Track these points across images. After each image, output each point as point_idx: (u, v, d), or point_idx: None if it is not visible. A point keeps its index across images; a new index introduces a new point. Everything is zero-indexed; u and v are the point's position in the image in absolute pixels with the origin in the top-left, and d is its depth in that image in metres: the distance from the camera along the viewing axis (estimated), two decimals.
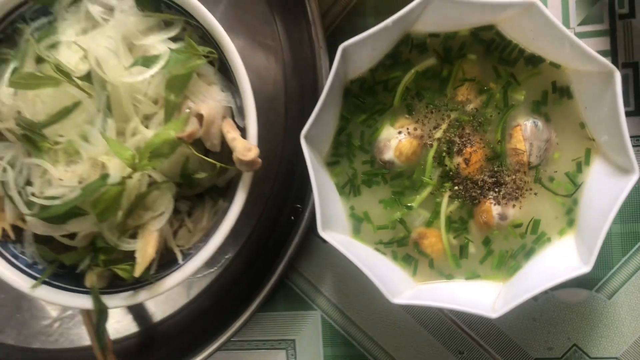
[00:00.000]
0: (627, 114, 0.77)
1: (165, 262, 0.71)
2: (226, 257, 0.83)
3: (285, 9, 0.79)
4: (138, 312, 0.86)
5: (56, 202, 0.65)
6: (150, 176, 0.67)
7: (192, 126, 0.65)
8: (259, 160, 0.65)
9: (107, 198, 0.63)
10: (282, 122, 0.82)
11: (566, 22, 0.77)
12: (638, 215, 0.77)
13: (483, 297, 0.68)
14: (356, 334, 0.83)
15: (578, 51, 0.63)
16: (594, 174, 0.69)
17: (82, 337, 0.86)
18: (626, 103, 0.77)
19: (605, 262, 0.78)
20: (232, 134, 0.66)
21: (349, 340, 0.83)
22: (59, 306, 0.85)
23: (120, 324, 0.86)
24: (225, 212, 0.71)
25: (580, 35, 0.77)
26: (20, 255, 0.72)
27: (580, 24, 0.77)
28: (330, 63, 0.76)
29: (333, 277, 0.83)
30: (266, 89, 0.81)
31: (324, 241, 0.67)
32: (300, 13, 0.76)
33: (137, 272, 0.65)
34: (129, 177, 0.64)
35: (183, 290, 0.85)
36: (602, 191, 0.67)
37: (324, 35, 0.75)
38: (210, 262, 0.71)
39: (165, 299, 0.85)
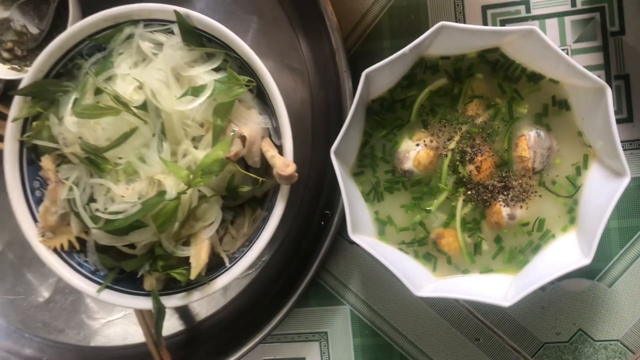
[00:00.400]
0: (621, 120, 0.86)
1: (213, 265, 0.80)
2: (263, 259, 0.92)
3: (309, 36, 0.88)
4: (184, 312, 0.95)
5: (119, 216, 0.74)
6: (200, 190, 0.76)
7: (237, 146, 0.74)
8: (296, 174, 0.74)
9: (166, 212, 0.72)
10: (309, 137, 0.90)
11: (563, 40, 0.86)
12: (633, 210, 0.86)
13: (496, 288, 0.77)
14: (382, 325, 0.91)
15: (573, 70, 0.71)
16: (591, 177, 0.78)
17: (134, 334, 0.95)
18: (619, 111, 0.86)
19: (605, 254, 0.87)
20: (271, 152, 0.75)
21: (376, 331, 0.91)
22: (114, 307, 0.94)
23: (168, 322, 0.93)
24: (264, 219, 0.80)
25: (576, 51, 0.86)
26: (85, 264, 0.81)
27: (575, 42, 0.86)
28: (353, 84, 0.85)
29: (360, 274, 0.91)
30: (294, 107, 0.90)
31: (352, 242, 0.75)
32: (324, 40, 0.85)
33: (193, 275, 0.75)
34: (184, 192, 0.73)
35: (223, 290, 0.94)
36: (599, 192, 0.75)
37: (347, 60, 0.84)
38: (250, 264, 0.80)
39: (208, 298, 0.93)
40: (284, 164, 0.73)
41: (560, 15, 0.85)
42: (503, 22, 0.87)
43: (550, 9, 0.86)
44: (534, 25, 0.85)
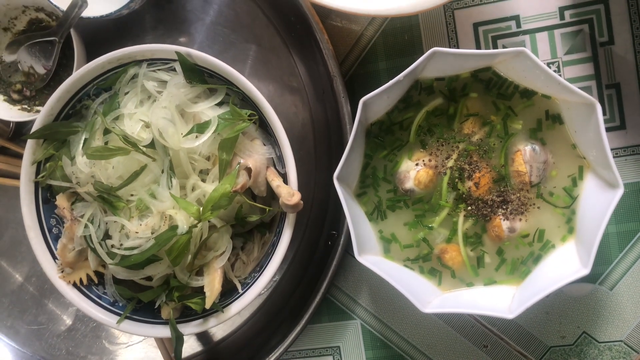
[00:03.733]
0: (614, 128, 0.88)
1: (226, 290, 0.84)
2: (274, 279, 0.95)
3: (307, 63, 0.90)
4: (201, 333, 0.98)
5: (135, 251, 0.77)
6: (210, 221, 0.79)
7: (243, 179, 0.77)
8: (301, 202, 0.76)
9: (179, 246, 0.75)
10: (312, 158, 0.93)
11: (553, 53, 0.88)
12: (630, 215, 0.88)
13: (500, 300, 0.80)
14: (392, 337, 0.94)
15: (563, 87, 0.73)
16: (587, 187, 0.80)
17: (154, 357, 0.98)
18: (612, 119, 0.88)
19: (605, 258, 0.89)
20: (276, 182, 0.78)
21: (387, 343, 0.95)
22: (136, 335, 0.97)
23: (186, 344, 0.97)
24: (273, 244, 0.83)
25: (567, 63, 0.88)
26: (104, 296, 0.85)
27: (566, 54, 0.88)
28: (352, 106, 0.88)
29: (368, 289, 0.94)
30: (296, 130, 0.92)
31: None
32: (322, 67, 0.87)
33: (208, 304, 0.78)
34: (195, 226, 0.76)
35: None
36: (595, 202, 0.78)
37: (344, 86, 0.87)
38: None
39: None
40: (289, 193, 0.76)
41: (549, 28, 0.88)
42: (495, 38, 0.89)
43: (539, 23, 0.88)
44: (525, 39, 0.88)
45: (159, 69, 0.81)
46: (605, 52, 0.87)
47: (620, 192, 0.73)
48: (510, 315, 0.75)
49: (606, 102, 0.87)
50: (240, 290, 0.81)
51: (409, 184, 0.83)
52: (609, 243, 0.89)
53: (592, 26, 0.87)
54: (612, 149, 0.87)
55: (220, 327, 0.97)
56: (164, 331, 0.82)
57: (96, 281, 0.85)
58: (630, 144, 0.87)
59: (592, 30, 0.87)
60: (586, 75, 0.88)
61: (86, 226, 0.81)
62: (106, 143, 0.80)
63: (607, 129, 0.87)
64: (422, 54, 0.74)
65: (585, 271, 0.74)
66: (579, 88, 0.73)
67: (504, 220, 0.82)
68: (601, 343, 0.90)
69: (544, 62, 0.88)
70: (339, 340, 0.96)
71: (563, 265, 0.79)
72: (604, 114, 0.88)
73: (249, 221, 0.81)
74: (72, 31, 0.88)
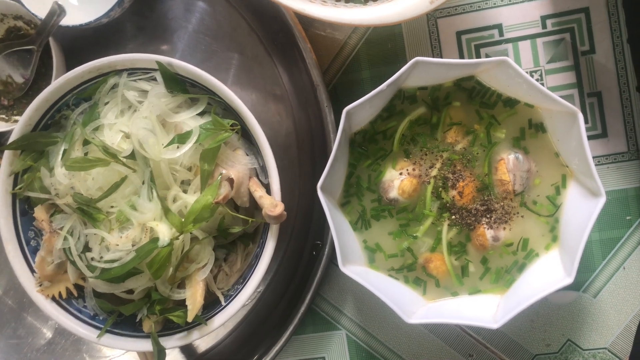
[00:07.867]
0: (595, 136, 0.88)
1: (209, 303, 0.82)
2: (258, 290, 0.94)
3: (290, 71, 0.90)
4: (185, 346, 0.96)
5: (115, 264, 0.76)
6: (191, 233, 0.78)
7: (225, 189, 0.76)
8: (285, 213, 0.75)
9: (160, 258, 0.74)
10: (296, 167, 0.92)
11: (536, 61, 0.88)
12: (613, 223, 0.89)
13: (485, 309, 0.79)
14: (378, 347, 0.94)
15: (545, 96, 0.74)
16: (570, 196, 0.80)
17: None
18: (594, 127, 0.88)
19: (588, 265, 0.89)
20: (259, 192, 0.77)
21: (372, 353, 0.94)
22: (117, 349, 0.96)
23: (169, 356, 0.95)
24: (256, 255, 0.82)
25: (549, 71, 0.88)
26: (83, 309, 0.83)
27: (548, 62, 0.88)
28: (335, 115, 0.87)
29: (353, 299, 0.94)
30: (280, 139, 0.92)
31: None
32: (305, 76, 0.87)
33: (190, 318, 0.76)
34: (176, 238, 0.75)
35: None
36: (578, 210, 0.78)
37: (327, 95, 0.86)
38: None
39: None
40: (272, 204, 0.75)
41: (532, 37, 0.88)
42: (478, 47, 0.89)
43: (522, 32, 0.88)
44: (508, 47, 0.88)
45: (139, 79, 0.80)
46: (586, 60, 0.87)
47: (602, 200, 0.73)
48: (494, 325, 0.74)
49: (588, 110, 0.88)
50: (223, 303, 0.80)
51: (393, 193, 0.82)
52: (592, 251, 0.89)
53: (574, 35, 0.87)
54: (594, 157, 0.88)
55: (204, 340, 0.96)
56: (146, 345, 0.81)
57: (76, 294, 0.83)
58: (612, 152, 0.88)
59: (573, 39, 0.87)
60: (568, 83, 0.88)
61: (65, 238, 0.79)
62: (86, 154, 0.78)
63: (589, 137, 0.88)
64: (406, 62, 0.74)
65: (569, 280, 0.74)
66: (561, 96, 0.73)
67: (488, 229, 0.81)
68: (585, 350, 0.90)
69: (526, 70, 0.88)
70: (324, 351, 0.95)
71: (547, 273, 0.79)
72: (586, 122, 0.88)
73: (231, 232, 0.80)
74: (50, 40, 0.87)
